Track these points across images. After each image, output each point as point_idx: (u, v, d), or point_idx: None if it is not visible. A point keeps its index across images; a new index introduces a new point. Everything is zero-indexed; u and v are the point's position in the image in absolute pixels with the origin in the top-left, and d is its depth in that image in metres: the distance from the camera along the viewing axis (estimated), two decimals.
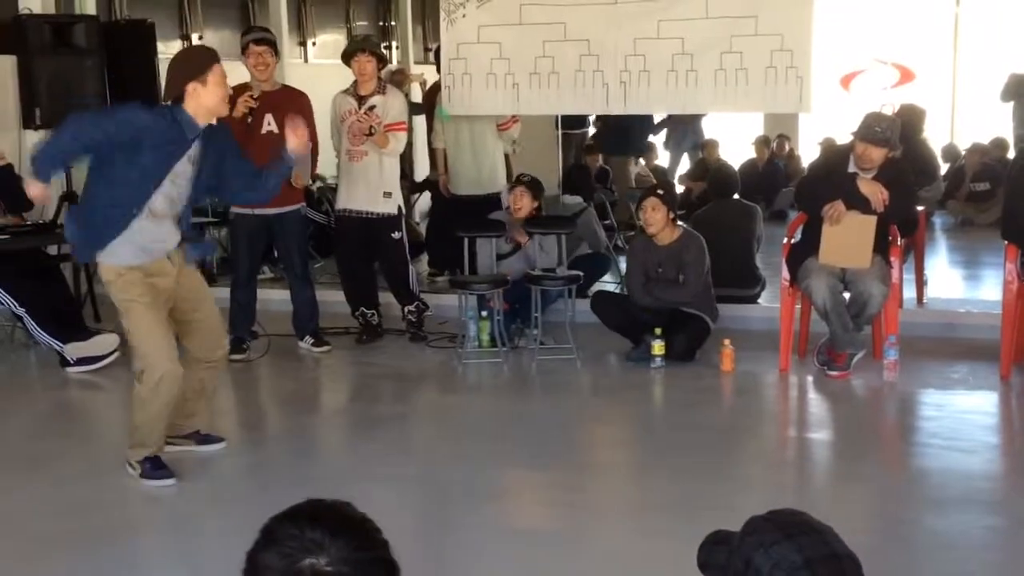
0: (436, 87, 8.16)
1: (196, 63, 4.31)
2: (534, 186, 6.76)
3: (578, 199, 8.11)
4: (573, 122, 11.27)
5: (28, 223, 6.63)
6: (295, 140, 4.47)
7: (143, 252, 4.29)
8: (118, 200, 4.21)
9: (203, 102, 4.23)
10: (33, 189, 4.21)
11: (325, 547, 1.53)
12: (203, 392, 4.69)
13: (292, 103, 6.38)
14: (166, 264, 4.38)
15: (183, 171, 4.28)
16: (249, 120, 6.18)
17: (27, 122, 7.26)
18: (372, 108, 6.45)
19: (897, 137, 5.82)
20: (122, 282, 4.27)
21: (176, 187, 4.29)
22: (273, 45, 6.43)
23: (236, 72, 6.36)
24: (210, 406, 4.81)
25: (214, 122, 4.42)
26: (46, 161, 4.15)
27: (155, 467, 4.39)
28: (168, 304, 4.40)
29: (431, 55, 10.39)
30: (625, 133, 10.68)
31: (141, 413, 4.36)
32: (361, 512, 1.64)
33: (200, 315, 4.55)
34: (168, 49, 9.21)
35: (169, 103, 4.27)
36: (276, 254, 7.37)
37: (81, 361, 6.18)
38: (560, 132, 8.84)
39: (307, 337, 6.62)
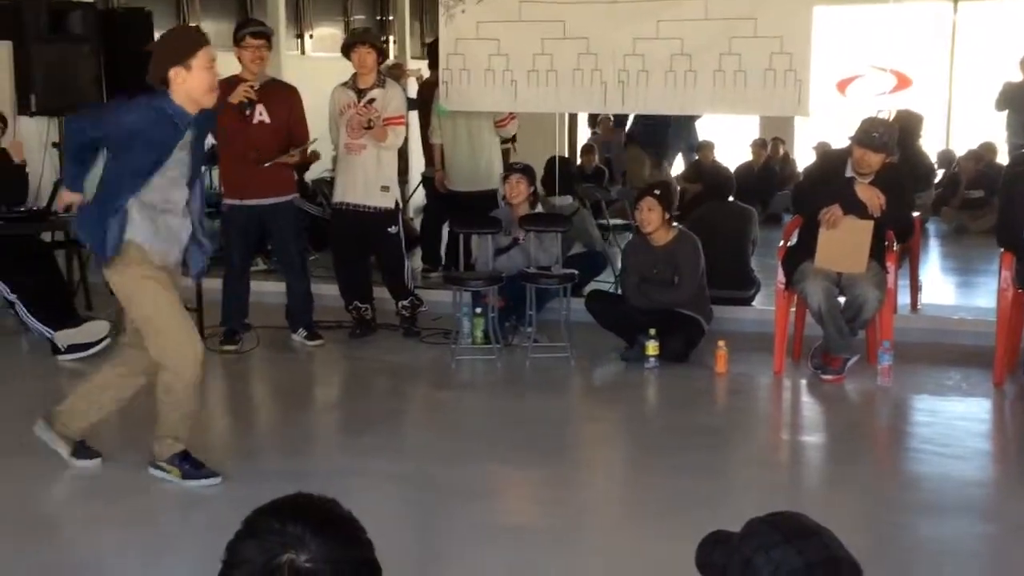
0: (429, 82, 8.14)
1: (180, 46, 4.04)
2: (528, 172, 6.76)
3: (568, 199, 8.07)
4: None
5: (23, 209, 6.59)
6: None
7: (158, 238, 4.16)
8: (112, 194, 4.09)
9: (188, 89, 4.00)
10: (65, 198, 4.24)
11: (306, 543, 1.51)
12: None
13: (284, 95, 6.40)
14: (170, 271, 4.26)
15: (176, 159, 4.13)
16: (247, 112, 6.16)
17: (22, 108, 7.24)
18: (371, 101, 6.43)
19: (895, 143, 5.83)
20: (135, 264, 4.12)
21: (166, 178, 4.12)
22: (269, 39, 6.40)
23: (227, 63, 6.35)
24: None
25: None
26: (67, 172, 4.23)
27: (194, 465, 4.27)
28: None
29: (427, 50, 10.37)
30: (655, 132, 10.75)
31: (172, 401, 4.20)
32: (347, 510, 1.61)
33: None
34: None
35: (156, 90, 4.07)
36: (270, 247, 7.35)
37: (72, 348, 6.15)
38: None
39: (300, 330, 6.59)
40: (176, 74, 3.99)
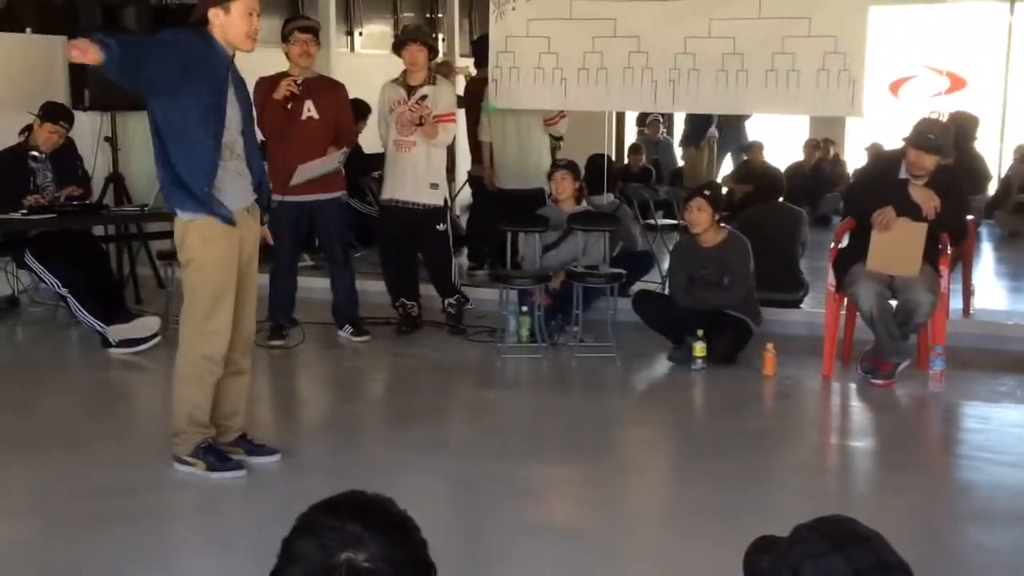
0: (477, 80, 8.12)
1: None
2: (572, 168, 6.74)
3: (609, 197, 8.01)
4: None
5: (75, 202, 6.66)
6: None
7: (230, 196, 4.15)
8: (196, 140, 4.03)
9: (224, 31, 4.04)
10: (81, 45, 3.73)
11: (365, 542, 1.49)
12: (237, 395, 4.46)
13: (332, 91, 6.43)
14: (246, 216, 4.25)
15: (231, 101, 4.13)
16: (289, 106, 6.18)
17: (76, 103, 7.32)
18: (423, 98, 6.43)
19: (950, 145, 5.74)
20: (205, 236, 4.13)
21: (232, 116, 4.13)
22: (317, 34, 6.42)
23: (276, 59, 6.39)
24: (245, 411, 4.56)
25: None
26: (114, 42, 3.80)
27: (220, 458, 4.29)
28: (236, 262, 4.23)
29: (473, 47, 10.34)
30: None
31: (187, 390, 4.24)
32: (402, 509, 1.60)
33: (242, 313, 4.34)
34: None
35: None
36: (317, 242, 7.38)
37: (123, 343, 6.21)
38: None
39: (347, 326, 6.61)
40: (215, 15, 4.05)
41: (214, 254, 4.16)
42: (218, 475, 4.27)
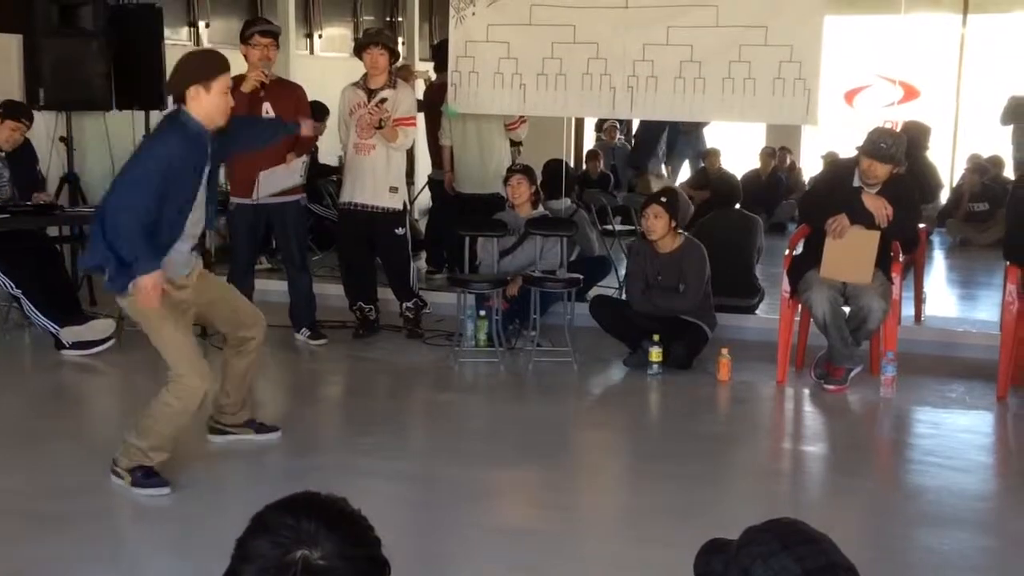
0: (436, 84, 8.13)
1: (205, 66, 4.16)
2: (528, 172, 6.77)
3: (567, 202, 8.05)
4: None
5: (30, 203, 6.60)
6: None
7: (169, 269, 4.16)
8: (157, 230, 4.04)
9: (204, 108, 4.10)
10: (150, 283, 3.96)
11: (319, 540, 1.52)
12: (243, 379, 4.66)
13: (290, 93, 6.41)
14: (184, 279, 4.28)
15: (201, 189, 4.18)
16: (261, 93, 6.16)
17: (31, 102, 7.24)
18: (383, 101, 6.43)
19: (903, 154, 5.82)
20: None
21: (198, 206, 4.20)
22: (277, 38, 6.40)
23: (234, 61, 6.36)
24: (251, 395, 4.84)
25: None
26: (143, 254, 3.96)
27: (147, 475, 4.19)
28: (189, 313, 4.31)
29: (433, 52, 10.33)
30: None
31: (161, 421, 4.19)
32: (355, 508, 1.63)
33: (226, 299, 4.55)
34: (175, 35, 9.19)
35: (176, 108, 4.14)
36: (275, 245, 7.36)
37: (76, 345, 6.16)
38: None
39: (303, 329, 6.60)
40: (196, 92, 4.09)
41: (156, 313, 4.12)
42: (142, 491, 4.16)
